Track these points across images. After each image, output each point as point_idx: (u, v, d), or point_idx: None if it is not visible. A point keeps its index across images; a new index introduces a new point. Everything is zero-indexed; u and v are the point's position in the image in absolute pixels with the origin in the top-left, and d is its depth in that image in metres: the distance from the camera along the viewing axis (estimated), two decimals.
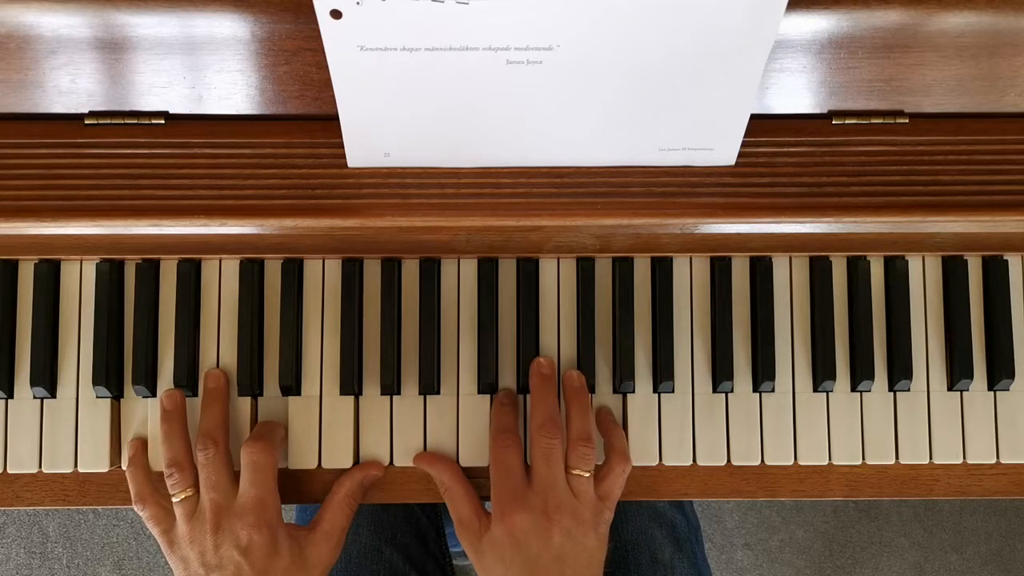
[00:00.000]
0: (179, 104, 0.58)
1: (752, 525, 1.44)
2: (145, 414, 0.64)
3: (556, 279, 0.65)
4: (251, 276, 0.64)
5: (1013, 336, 0.65)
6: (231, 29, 0.54)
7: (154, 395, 0.64)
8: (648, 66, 0.52)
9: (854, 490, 0.65)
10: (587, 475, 0.59)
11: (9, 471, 0.63)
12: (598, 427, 0.63)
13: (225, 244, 0.62)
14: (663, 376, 0.64)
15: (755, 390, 0.65)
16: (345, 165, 0.58)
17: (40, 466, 0.63)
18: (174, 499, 0.59)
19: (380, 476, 0.64)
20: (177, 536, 0.59)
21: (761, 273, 0.65)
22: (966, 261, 0.65)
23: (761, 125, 0.58)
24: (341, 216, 0.58)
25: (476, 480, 0.64)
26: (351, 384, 0.64)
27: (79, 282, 0.64)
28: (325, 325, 0.64)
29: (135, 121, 0.58)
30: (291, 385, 0.63)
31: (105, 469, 0.63)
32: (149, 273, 0.64)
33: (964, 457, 0.65)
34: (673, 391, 0.65)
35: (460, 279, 0.65)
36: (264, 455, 0.59)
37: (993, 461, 0.65)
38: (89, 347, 0.63)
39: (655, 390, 0.65)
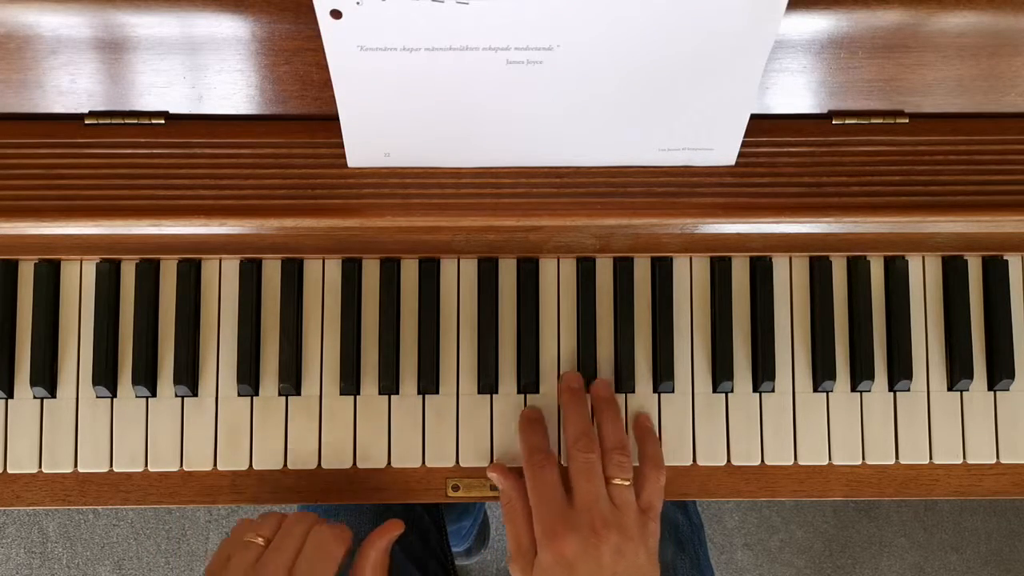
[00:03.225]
0: (179, 104, 0.58)
1: (752, 525, 1.44)
2: (144, 415, 0.64)
3: (556, 279, 0.65)
4: (251, 276, 0.64)
5: (1013, 336, 0.65)
6: (231, 29, 0.54)
7: (154, 395, 0.64)
8: (648, 66, 0.52)
9: (854, 490, 0.65)
10: (627, 483, 0.58)
11: (9, 471, 0.63)
12: (634, 434, 0.63)
13: (225, 244, 0.62)
14: (663, 376, 0.64)
15: (755, 390, 0.65)
16: (345, 165, 0.58)
17: (40, 466, 0.63)
18: (245, 537, 0.56)
19: (402, 531, 0.61)
20: (228, 571, 0.55)
21: (761, 273, 0.65)
22: (966, 261, 0.65)
23: (761, 125, 0.58)
24: (341, 216, 0.58)
25: (479, 479, 0.64)
26: (351, 384, 0.64)
27: (79, 282, 0.64)
28: (325, 325, 0.64)
29: (135, 121, 0.58)
30: (291, 385, 0.63)
31: (105, 469, 0.63)
32: (149, 273, 0.64)
33: (964, 457, 0.65)
34: (673, 391, 0.65)
35: (460, 279, 0.65)
36: (334, 541, 0.56)
37: (993, 461, 0.65)
38: (89, 347, 0.63)
39: (655, 390, 0.65)
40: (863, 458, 0.65)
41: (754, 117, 0.56)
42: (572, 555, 0.54)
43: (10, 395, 0.64)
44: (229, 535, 0.58)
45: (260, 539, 0.56)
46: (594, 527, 0.55)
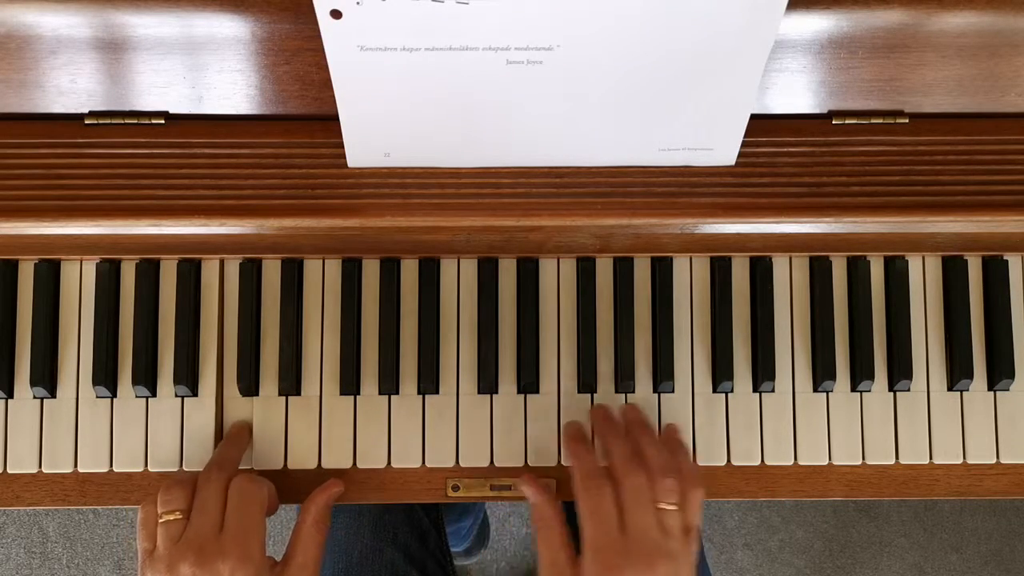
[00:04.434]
0: (179, 104, 0.58)
1: (752, 525, 1.44)
2: (144, 415, 0.64)
3: (556, 279, 0.65)
4: (251, 276, 0.64)
5: (1013, 336, 0.65)
6: (231, 29, 0.54)
7: (154, 395, 0.64)
8: (648, 66, 0.52)
9: (854, 490, 0.65)
10: (674, 508, 0.55)
11: (9, 471, 0.63)
12: (665, 447, 0.61)
13: (225, 244, 0.62)
14: (663, 376, 0.64)
15: (755, 390, 0.65)
16: (345, 165, 0.58)
17: (40, 466, 0.63)
18: (161, 519, 0.55)
19: (342, 491, 0.62)
20: (155, 559, 0.55)
21: (761, 273, 0.65)
22: (966, 261, 0.65)
23: (761, 125, 0.58)
24: (341, 216, 0.58)
25: (479, 479, 0.64)
26: (351, 384, 0.64)
27: (79, 282, 0.64)
28: (325, 325, 0.64)
29: (135, 121, 0.58)
30: (291, 385, 0.63)
31: (105, 469, 0.63)
32: (149, 273, 0.64)
33: (964, 457, 0.65)
34: (673, 391, 0.65)
35: (460, 279, 0.65)
36: (254, 485, 0.57)
37: (993, 461, 0.65)
38: (89, 347, 0.63)
39: (655, 390, 0.65)
40: (863, 458, 0.65)
41: (754, 117, 0.56)
42: None
43: (10, 395, 0.64)
44: (139, 525, 0.57)
45: (178, 513, 0.56)
46: (649, 558, 0.53)
